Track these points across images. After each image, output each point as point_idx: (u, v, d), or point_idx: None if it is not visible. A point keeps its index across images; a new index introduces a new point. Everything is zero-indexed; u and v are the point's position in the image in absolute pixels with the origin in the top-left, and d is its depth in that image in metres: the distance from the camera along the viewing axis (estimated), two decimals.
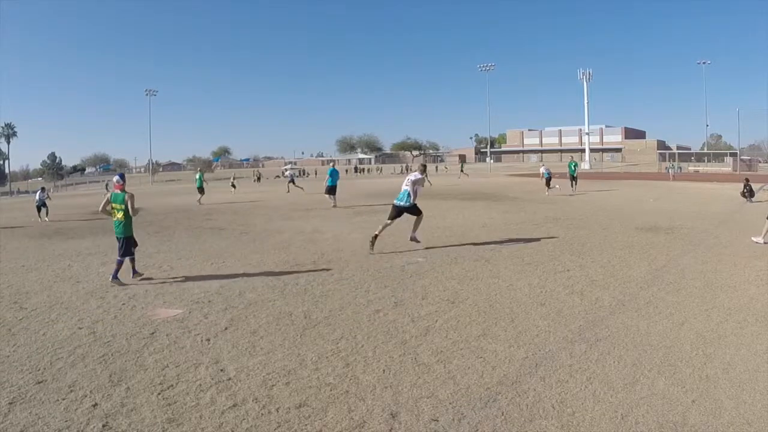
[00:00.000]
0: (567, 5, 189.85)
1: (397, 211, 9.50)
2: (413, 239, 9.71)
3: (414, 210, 9.55)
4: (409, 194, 9.45)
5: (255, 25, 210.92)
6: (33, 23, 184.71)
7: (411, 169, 33.48)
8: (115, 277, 7.26)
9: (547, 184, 23.47)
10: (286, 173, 27.93)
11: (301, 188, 25.56)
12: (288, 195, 26.92)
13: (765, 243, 9.49)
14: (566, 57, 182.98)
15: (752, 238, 9.68)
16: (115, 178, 7.70)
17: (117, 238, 7.50)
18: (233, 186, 32.60)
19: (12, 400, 3.71)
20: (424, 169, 9.84)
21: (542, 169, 24.72)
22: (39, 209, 17.86)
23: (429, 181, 9.42)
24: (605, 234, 10.91)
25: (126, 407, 3.59)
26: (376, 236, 9.41)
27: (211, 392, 3.81)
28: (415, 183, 9.46)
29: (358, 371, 4.14)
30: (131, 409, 3.57)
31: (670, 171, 41.79)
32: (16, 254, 10.33)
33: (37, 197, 18.38)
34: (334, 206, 18.23)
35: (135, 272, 7.63)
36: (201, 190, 23.00)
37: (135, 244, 7.70)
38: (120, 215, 7.40)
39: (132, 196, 7.49)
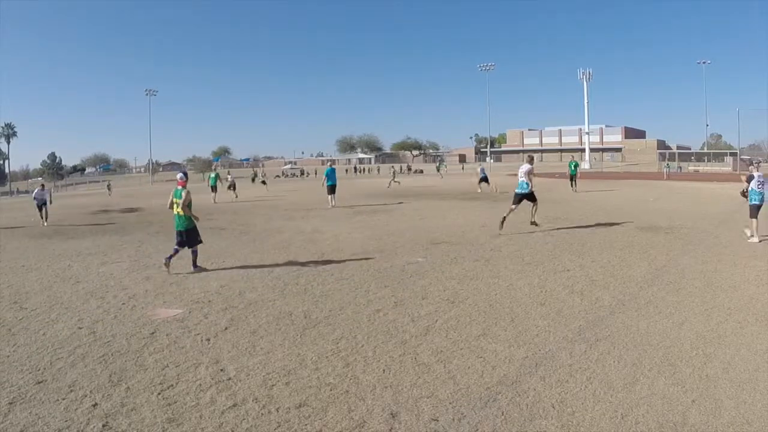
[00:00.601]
0: (567, 5, 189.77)
1: (519, 199, 11.38)
2: (533, 223, 11.62)
3: (531, 197, 11.41)
4: (527, 183, 11.30)
5: (255, 25, 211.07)
6: (33, 23, 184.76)
7: (393, 170, 34.48)
8: (195, 265, 8.13)
9: (482, 181, 25.82)
10: (228, 177, 27.45)
11: (235, 195, 24.82)
12: (285, 195, 27.00)
13: (761, 241, 9.56)
14: (566, 57, 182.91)
15: (748, 240, 9.75)
16: (179, 175, 8.47)
17: (177, 231, 8.13)
18: (264, 183, 32.79)
19: (12, 400, 3.71)
20: (531, 161, 11.84)
21: (478, 169, 28.01)
22: (40, 208, 16.39)
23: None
24: (605, 234, 10.91)
25: (126, 407, 3.59)
26: (504, 218, 11.21)
27: (211, 392, 3.81)
28: (528, 173, 11.33)
29: (358, 371, 4.14)
30: (131, 409, 3.57)
31: (664, 170, 40.50)
32: (16, 254, 10.33)
33: (36, 195, 16.71)
34: (333, 206, 18.26)
35: (168, 262, 8.04)
36: (214, 188, 23.91)
37: (198, 239, 8.29)
38: (180, 209, 8.07)
39: (188, 193, 8.14)
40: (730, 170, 48.31)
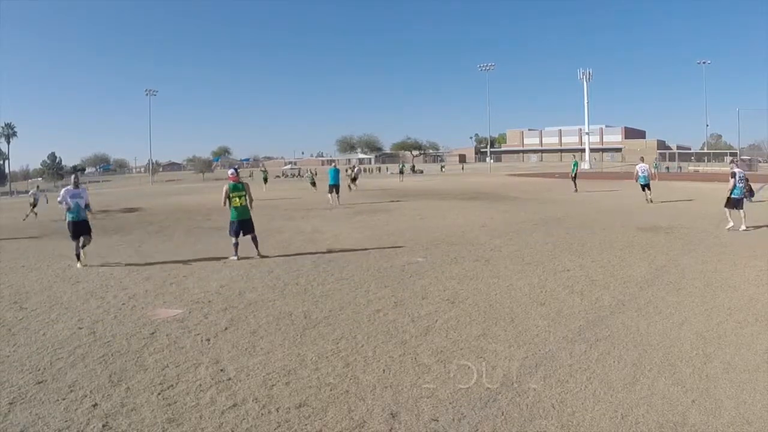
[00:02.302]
0: (567, 5, 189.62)
1: (643, 186, 17.26)
2: (648, 200, 16.93)
3: (649, 186, 17.30)
4: (646, 177, 17.25)
5: (255, 25, 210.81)
6: (33, 23, 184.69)
7: (350, 172, 36.78)
8: (258, 252, 8.90)
9: (353, 181, 28.53)
10: (31, 191, 21.01)
11: (35, 214, 19.40)
12: (276, 194, 27.01)
13: (729, 229, 10.77)
14: (566, 57, 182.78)
15: (740, 227, 10.76)
16: (230, 171, 9.08)
17: (240, 221, 8.70)
18: (313, 184, 29.82)
19: (12, 400, 3.71)
20: (642, 160, 18.18)
21: (355, 170, 31.63)
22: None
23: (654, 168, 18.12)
24: (605, 234, 10.91)
25: (126, 407, 3.59)
26: (648, 198, 17.10)
27: (211, 392, 3.81)
28: (647, 169, 17.50)
29: (358, 371, 4.14)
30: (131, 409, 3.56)
31: (653, 170, 37.55)
32: (16, 254, 10.33)
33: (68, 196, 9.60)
34: (336, 205, 18.48)
35: (236, 255, 8.83)
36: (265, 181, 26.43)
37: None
38: (243, 200, 8.71)
39: (248, 185, 8.95)
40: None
